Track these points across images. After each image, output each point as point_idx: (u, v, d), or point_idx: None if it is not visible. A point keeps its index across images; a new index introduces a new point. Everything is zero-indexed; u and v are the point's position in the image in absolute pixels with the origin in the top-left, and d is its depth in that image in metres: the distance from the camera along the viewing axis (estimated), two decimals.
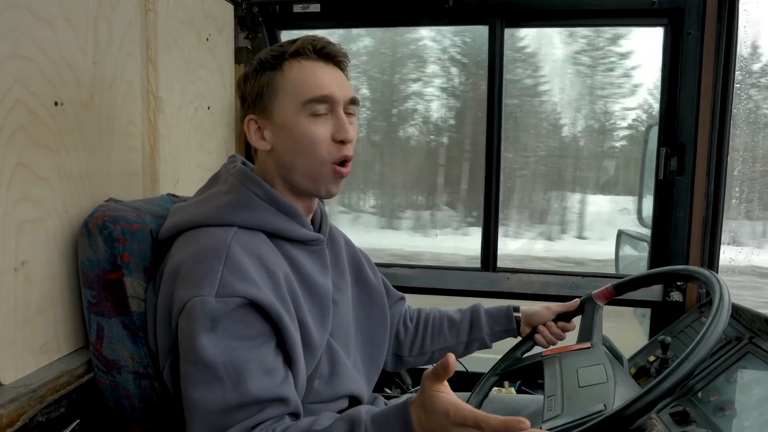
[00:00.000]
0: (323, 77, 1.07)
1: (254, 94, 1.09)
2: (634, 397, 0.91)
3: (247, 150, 1.92)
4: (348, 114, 1.10)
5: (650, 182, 1.99)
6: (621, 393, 1.06)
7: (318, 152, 1.06)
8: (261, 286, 0.96)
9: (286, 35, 1.97)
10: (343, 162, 1.09)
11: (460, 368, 1.83)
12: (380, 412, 0.89)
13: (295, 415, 0.99)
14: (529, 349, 1.43)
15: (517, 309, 1.46)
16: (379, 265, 1.93)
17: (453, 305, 2.00)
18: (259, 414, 0.93)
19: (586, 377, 1.15)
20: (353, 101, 1.11)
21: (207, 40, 1.70)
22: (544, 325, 1.43)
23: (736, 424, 1.26)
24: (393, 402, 1.45)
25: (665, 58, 1.80)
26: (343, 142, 1.07)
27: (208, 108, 1.73)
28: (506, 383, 1.88)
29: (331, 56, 1.10)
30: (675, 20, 1.75)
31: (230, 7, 1.85)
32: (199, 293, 0.93)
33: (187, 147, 1.64)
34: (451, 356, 0.81)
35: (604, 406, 1.01)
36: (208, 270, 0.95)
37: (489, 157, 1.89)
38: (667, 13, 1.75)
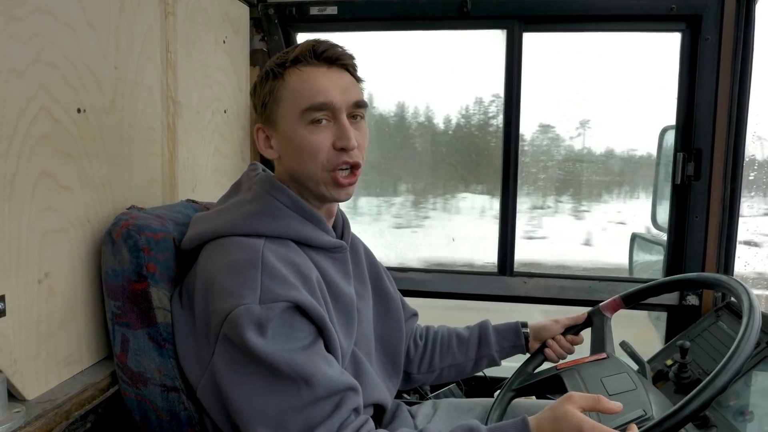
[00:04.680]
0: (322, 83, 1.04)
1: (260, 104, 1.09)
2: (684, 402, 0.91)
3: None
4: (353, 117, 1.07)
5: (664, 185, 2.00)
6: (654, 399, 1.07)
7: (318, 160, 1.04)
8: (301, 289, 0.96)
9: (302, 38, 1.95)
10: (343, 168, 1.05)
11: (479, 374, 1.82)
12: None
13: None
14: (540, 364, 1.43)
15: (525, 325, 1.46)
16: (395, 269, 1.92)
17: (469, 309, 2.01)
18: (339, 410, 0.92)
19: (613, 386, 1.15)
20: (358, 104, 1.07)
21: (224, 42, 1.68)
22: (553, 339, 1.43)
23: (757, 429, 1.26)
24: (415, 408, 1.45)
25: (683, 63, 1.79)
26: (344, 150, 1.04)
27: (225, 111, 1.71)
28: None
29: (333, 59, 1.07)
30: (693, 26, 1.75)
31: (246, 9, 1.82)
32: (242, 302, 0.92)
33: (204, 152, 1.61)
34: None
35: (644, 411, 1.01)
36: (247, 279, 0.94)
37: (506, 162, 1.88)
38: (686, 19, 1.75)
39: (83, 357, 1.15)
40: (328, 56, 1.06)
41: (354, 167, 1.06)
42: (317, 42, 1.06)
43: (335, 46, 1.07)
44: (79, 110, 1.11)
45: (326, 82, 1.04)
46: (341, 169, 1.05)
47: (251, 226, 1.03)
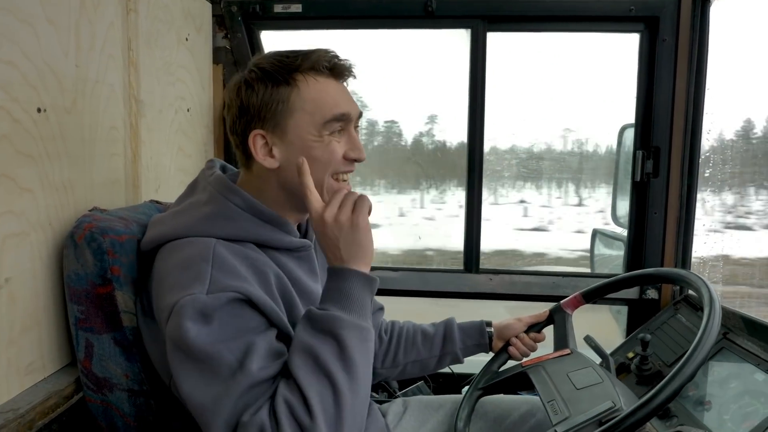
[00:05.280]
0: (338, 95, 1.04)
1: (264, 110, 1.02)
2: (653, 392, 0.94)
3: (227, 151, 1.88)
4: (355, 128, 1.09)
5: (624, 182, 2.05)
6: (621, 391, 1.10)
7: (329, 170, 1.04)
8: (252, 282, 0.94)
9: (266, 36, 1.93)
10: (343, 175, 1.07)
11: (446, 371, 1.84)
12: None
13: None
14: (504, 362, 1.45)
15: (489, 323, 1.48)
16: None
17: (437, 307, 2.02)
18: (267, 392, 0.88)
19: (580, 380, 1.17)
20: (360, 116, 1.10)
21: (186, 40, 1.65)
22: (516, 337, 1.46)
23: (717, 418, 1.31)
24: (386, 406, 1.46)
25: (641, 63, 1.85)
26: (356, 160, 1.06)
27: (188, 110, 1.68)
28: None
29: (342, 74, 1.07)
30: (651, 27, 1.80)
31: (208, 6, 1.80)
32: (189, 292, 0.88)
33: (168, 151, 1.58)
34: None
35: (613, 403, 1.04)
36: (197, 273, 0.91)
37: (471, 160, 1.90)
38: (644, 20, 1.80)
39: (46, 364, 1.11)
40: (340, 70, 1.06)
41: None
42: (327, 53, 1.05)
43: (341, 58, 1.06)
44: (39, 110, 1.08)
45: (341, 93, 1.06)
46: (343, 176, 1.07)
47: (205, 228, 1.01)
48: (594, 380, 1.16)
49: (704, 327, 1.02)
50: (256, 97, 1.02)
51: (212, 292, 0.89)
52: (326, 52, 1.05)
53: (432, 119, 2.90)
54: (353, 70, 1.08)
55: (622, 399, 1.06)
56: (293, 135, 1.03)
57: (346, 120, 1.05)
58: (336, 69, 1.05)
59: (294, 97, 1.02)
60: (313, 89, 1.03)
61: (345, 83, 1.10)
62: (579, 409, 1.08)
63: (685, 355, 0.97)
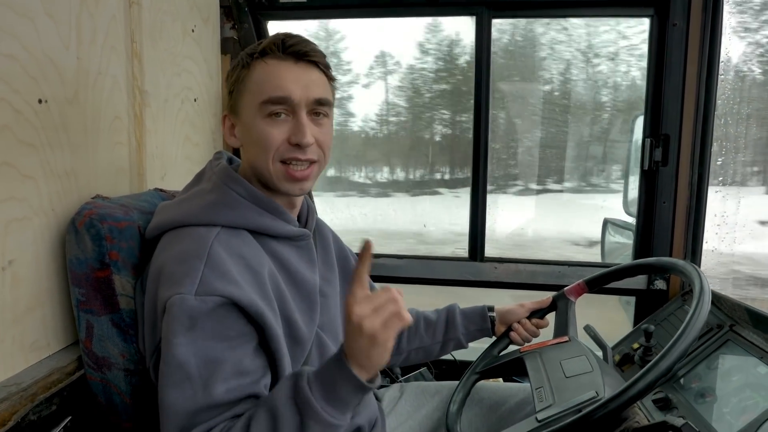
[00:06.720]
0: (285, 77, 1.03)
1: (228, 92, 1.11)
2: (629, 383, 0.94)
3: None
4: (315, 114, 1.07)
5: (636, 171, 2.02)
6: (608, 381, 1.10)
7: (270, 153, 1.04)
8: (242, 285, 0.96)
9: (272, 26, 1.96)
10: (295, 162, 1.05)
11: (449, 358, 1.86)
12: (323, 364, 0.92)
13: None
14: (505, 347, 1.46)
15: (491, 309, 1.48)
16: None
17: (441, 295, 2.03)
18: (224, 414, 0.92)
19: (571, 368, 1.18)
20: (320, 102, 1.06)
21: (192, 31, 1.68)
22: (518, 322, 1.46)
23: (717, 410, 1.29)
24: (382, 391, 1.48)
25: (651, 48, 1.81)
26: (298, 146, 1.04)
27: (195, 100, 1.72)
28: None
29: (301, 54, 1.05)
30: (661, 11, 1.76)
31: None
32: (179, 291, 0.92)
33: (174, 140, 1.63)
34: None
35: (596, 392, 1.04)
36: (189, 269, 0.95)
37: (476, 148, 1.90)
38: (654, 4, 1.76)
39: (50, 342, 1.17)
40: (295, 51, 1.04)
41: (310, 163, 1.07)
42: (288, 35, 1.05)
43: (305, 41, 1.06)
44: (40, 101, 1.12)
45: (289, 76, 1.03)
46: (294, 163, 1.05)
47: (208, 216, 1.04)
48: (584, 369, 1.16)
49: (688, 319, 1.00)
50: (229, 82, 1.11)
51: (200, 294, 0.92)
52: (282, 34, 1.06)
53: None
54: (314, 54, 1.06)
55: (607, 389, 1.06)
56: (243, 114, 1.08)
57: (288, 103, 1.03)
58: (291, 50, 1.04)
59: (245, 79, 1.06)
60: (261, 71, 1.05)
61: (319, 69, 1.08)
62: (563, 397, 1.09)
63: (665, 347, 0.96)
